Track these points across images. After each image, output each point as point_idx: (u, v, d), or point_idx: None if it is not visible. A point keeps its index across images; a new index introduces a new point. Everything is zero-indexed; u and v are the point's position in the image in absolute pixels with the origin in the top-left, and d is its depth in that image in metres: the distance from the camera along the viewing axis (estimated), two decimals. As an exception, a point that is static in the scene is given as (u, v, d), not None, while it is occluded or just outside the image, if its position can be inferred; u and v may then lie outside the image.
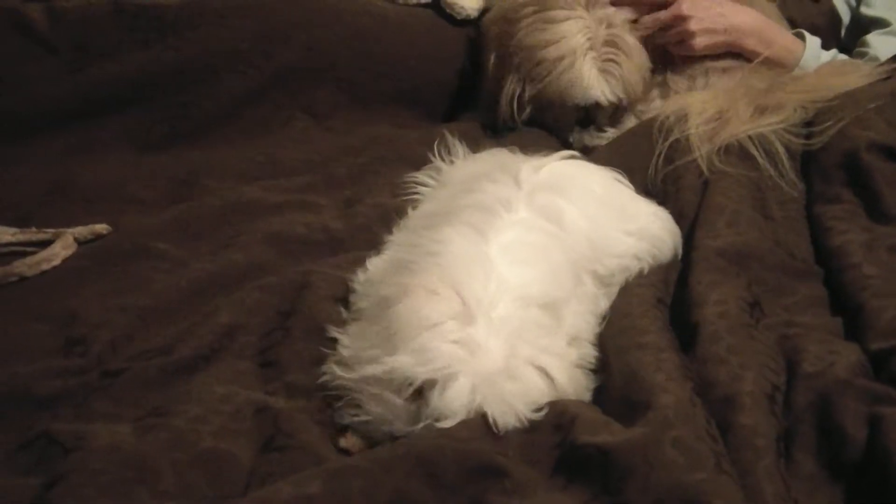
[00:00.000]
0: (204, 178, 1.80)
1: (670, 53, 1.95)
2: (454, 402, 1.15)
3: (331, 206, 1.68)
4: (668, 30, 1.91)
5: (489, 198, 1.40)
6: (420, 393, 1.16)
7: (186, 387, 1.26)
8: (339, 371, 1.25)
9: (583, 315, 1.37)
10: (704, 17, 1.90)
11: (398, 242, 1.48)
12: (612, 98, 1.87)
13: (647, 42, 1.91)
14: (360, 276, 1.43)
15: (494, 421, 1.14)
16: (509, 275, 1.27)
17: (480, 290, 1.23)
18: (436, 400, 1.15)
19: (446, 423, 1.14)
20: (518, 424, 1.16)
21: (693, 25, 1.90)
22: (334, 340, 1.31)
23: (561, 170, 1.52)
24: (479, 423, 1.14)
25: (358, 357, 1.24)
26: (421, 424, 1.15)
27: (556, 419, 1.15)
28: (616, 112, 1.93)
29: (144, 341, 1.37)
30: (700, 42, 1.90)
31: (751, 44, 1.93)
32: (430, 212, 1.52)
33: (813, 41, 1.98)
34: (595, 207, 1.47)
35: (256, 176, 1.81)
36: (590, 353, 1.33)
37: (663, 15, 1.91)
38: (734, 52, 1.94)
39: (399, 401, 1.17)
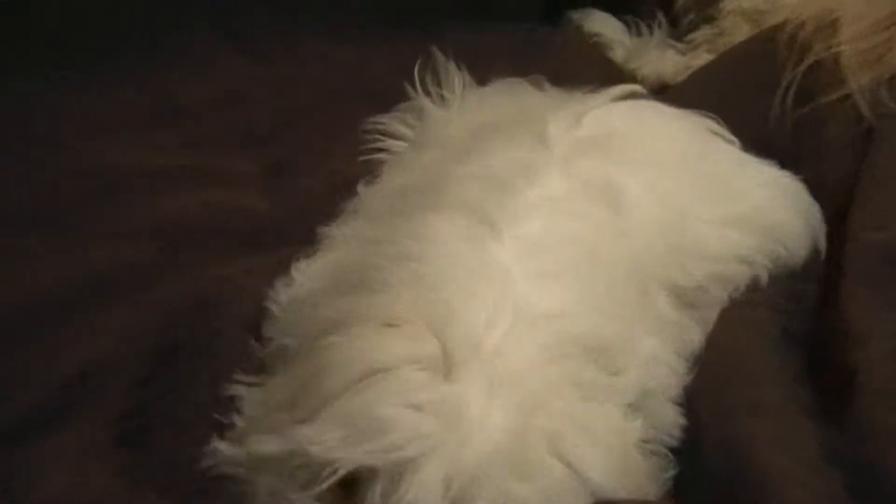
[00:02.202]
0: (66, 127, 1.81)
1: None
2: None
3: (251, 174, 1.66)
4: None
5: (500, 163, 1.34)
6: (350, 491, 1.06)
7: (34, 447, 1.23)
8: (226, 450, 1.17)
9: (655, 357, 1.26)
10: None
11: (350, 237, 1.42)
12: None
13: None
14: (282, 293, 1.37)
15: None
16: (531, 296, 1.17)
17: (477, 324, 1.13)
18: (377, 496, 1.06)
19: None
20: None
21: None
22: (235, 399, 1.25)
23: (616, 118, 1.47)
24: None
25: (257, 425, 1.18)
26: None
27: None
28: None
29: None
30: None
31: None
32: (405, 185, 1.46)
33: None
34: (672, 180, 1.40)
35: (139, 123, 1.79)
36: (667, 421, 1.23)
37: None
38: None
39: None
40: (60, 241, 1.56)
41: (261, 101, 1.80)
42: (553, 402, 1.10)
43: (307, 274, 1.36)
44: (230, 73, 1.87)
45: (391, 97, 1.48)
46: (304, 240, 1.46)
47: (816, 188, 1.50)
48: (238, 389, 1.23)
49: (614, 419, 1.14)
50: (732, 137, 1.50)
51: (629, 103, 1.50)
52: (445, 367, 1.08)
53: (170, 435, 1.25)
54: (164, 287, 1.44)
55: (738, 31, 1.81)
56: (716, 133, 1.49)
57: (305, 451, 1.05)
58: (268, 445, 1.09)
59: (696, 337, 1.32)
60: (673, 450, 1.21)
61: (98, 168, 1.69)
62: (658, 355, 1.25)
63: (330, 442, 1.04)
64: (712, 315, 1.36)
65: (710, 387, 1.25)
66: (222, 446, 1.16)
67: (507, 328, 1.12)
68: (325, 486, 1.04)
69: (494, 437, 1.06)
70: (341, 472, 1.03)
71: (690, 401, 1.25)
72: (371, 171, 1.51)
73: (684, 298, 1.33)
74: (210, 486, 1.17)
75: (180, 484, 1.19)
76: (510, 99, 1.47)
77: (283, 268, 1.39)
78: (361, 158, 1.53)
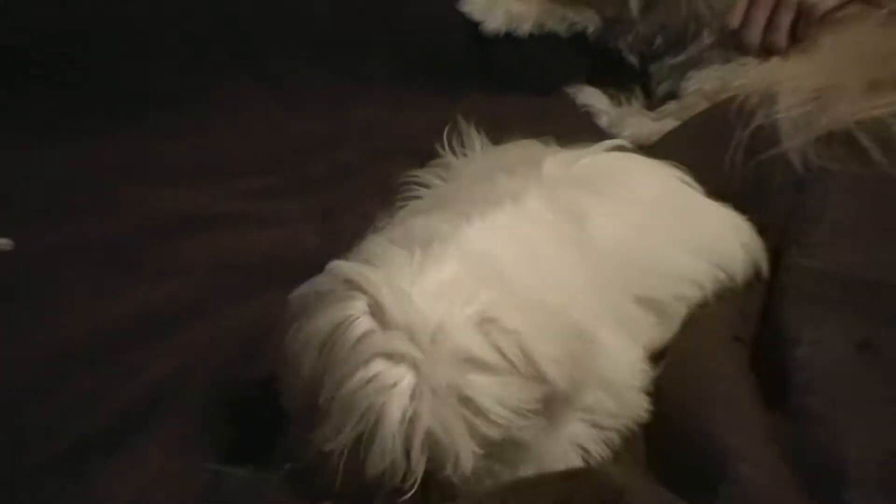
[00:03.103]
0: (137, 179, 1.82)
1: None
2: (382, 447, 1.10)
3: (305, 216, 1.70)
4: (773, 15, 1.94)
5: (497, 189, 1.38)
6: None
7: (110, 459, 1.27)
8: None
9: (622, 349, 1.35)
10: None
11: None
12: None
13: None
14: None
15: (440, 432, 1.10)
16: (477, 245, 1.22)
17: (419, 258, 1.18)
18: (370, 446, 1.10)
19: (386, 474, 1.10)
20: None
21: None
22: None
23: (601, 164, 1.52)
24: (493, 497, 1.16)
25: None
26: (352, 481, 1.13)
27: (599, 494, 1.16)
28: None
29: (57, 395, 1.37)
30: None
31: None
32: (419, 207, 1.50)
33: None
34: (641, 212, 1.46)
35: (202, 175, 1.82)
36: (633, 405, 1.33)
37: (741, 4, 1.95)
38: None
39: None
40: (134, 277, 1.58)
41: (312, 155, 1.83)
42: (510, 312, 1.14)
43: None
44: (285, 132, 1.90)
45: (424, 154, 1.53)
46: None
47: (760, 227, 1.58)
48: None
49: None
50: (696, 184, 1.55)
51: (616, 153, 1.56)
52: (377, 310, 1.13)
53: (254, 423, 1.30)
54: (231, 311, 1.48)
55: (698, 106, 1.90)
56: (682, 180, 1.55)
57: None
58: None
59: (662, 336, 1.43)
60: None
61: (167, 213, 1.72)
62: (625, 348, 1.35)
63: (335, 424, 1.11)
64: (675, 324, 1.45)
65: (675, 381, 1.36)
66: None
67: (458, 263, 1.17)
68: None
69: (456, 339, 1.11)
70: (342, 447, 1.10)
71: (659, 392, 1.35)
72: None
73: (650, 306, 1.42)
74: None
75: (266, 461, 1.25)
76: (520, 151, 1.54)
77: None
78: (399, 204, 1.54)
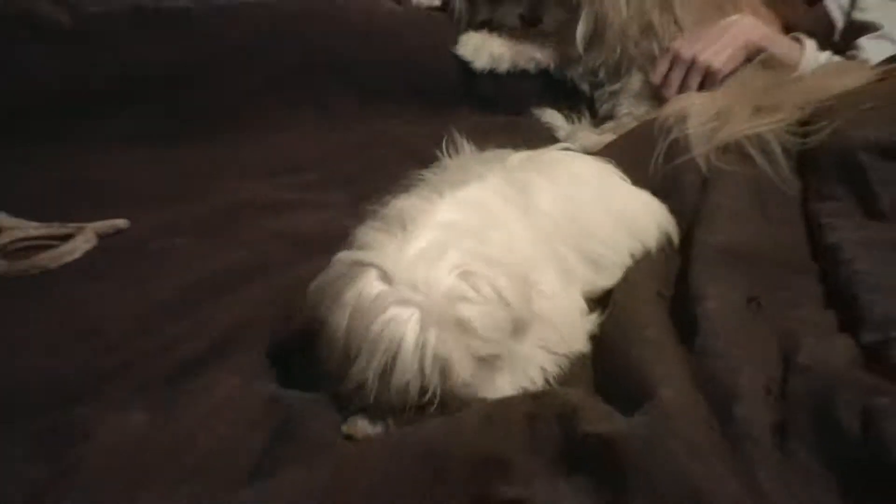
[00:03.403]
0: (219, 175, 1.79)
1: None
2: (401, 368, 1.11)
3: (343, 203, 1.67)
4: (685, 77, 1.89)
5: (469, 175, 1.34)
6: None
7: (199, 379, 1.25)
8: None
9: (564, 284, 1.33)
10: (711, 46, 1.89)
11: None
12: None
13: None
14: None
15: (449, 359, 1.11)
16: (444, 217, 1.21)
17: (402, 237, 1.17)
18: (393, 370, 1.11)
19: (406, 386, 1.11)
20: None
21: (706, 57, 1.88)
22: None
23: (551, 156, 1.49)
24: (482, 414, 1.13)
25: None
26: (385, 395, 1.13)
27: (558, 409, 1.13)
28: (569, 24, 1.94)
29: (160, 334, 1.35)
30: (724, 63, 1.88)
31: (764, 48, 1.91)
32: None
33: (810, 44, 1.97)
34: (577, 190, 1.42)
35: (268, 173, 1.80)
36: (573, 339, 1.31)
37: (662, 65, 1.91)
38: None
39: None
40: (216, 246, 1.56)
41: (346, 158, 1.82)
42: (485, 260, 1.16)
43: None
44: (328, 141, 1.88)
45: (427, 158, 1.49)
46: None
47: (676, 213, 1.54)
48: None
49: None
50: (625, 176, 1.52)
51: (566, 151, 1.53)
52: (386, 278, 1.13)
53: (299, 356, 1.27)
54: (283, 274, 1.45)
55: (630, 124, 1.87)
56: (613, 171, 1.51)
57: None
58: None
59: (602, 285, 1.40)
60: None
61: (243, 199, 1.70)
62: (563, 289, 1.32)
63: (363, 363, 1.12)
64: (612, 276, 1.42)
65: (615, 326, 1.32)
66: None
67: (443, 239, 1.17)
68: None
69: (444, 284, 1.12)
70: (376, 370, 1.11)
71: (603, 333, 1.33)
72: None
73: (585, 258, 1.38)
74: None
75: (312, 383, 1.22)
76: (496, 153, 1.49)
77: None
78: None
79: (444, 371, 1.12)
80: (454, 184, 1.30)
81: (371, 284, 1.13)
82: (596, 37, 1.93)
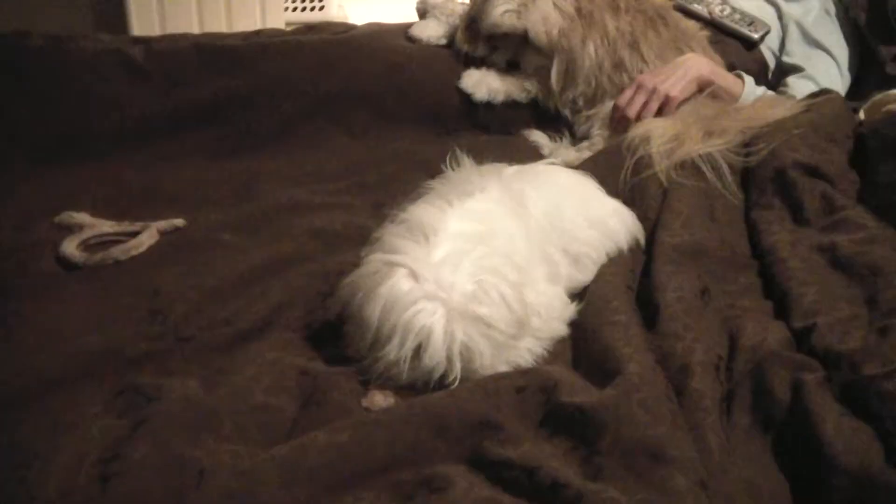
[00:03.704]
0: (262, 182, 1.76)
1: None
2: (434, 356, 1.11)
3: (363, 207, 1.65)
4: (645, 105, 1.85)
5: (472, 186, 1.32)
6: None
7: (244, 351, 1.24)
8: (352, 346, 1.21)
9: (550, 277, 1.32)
10: (670, 79, 1.86)
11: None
12: (511, 25, 1.86)
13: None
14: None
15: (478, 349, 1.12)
16: (458, 227, 1.20)
17: (425, 247, 1.17)
18: (420, 360, 1.12)
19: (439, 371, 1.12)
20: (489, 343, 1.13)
21: (665, 87, 1.85)
22: None
23: (538, 169, 1.47)
24: (478, 386, 1.11)
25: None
26: (420, 377, 1.13)
27: (542, 382, 1.12)
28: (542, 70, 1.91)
29: (212, 313, 1.33)
30: (679, 92, 1.85)
31: (712, 80, 1.89)
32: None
33: (749, 80, 1.96)
34: (560, 197, 1.40)
35: (304, 181, 1.77)
36: (555, 329, 1.28)
37: (628, 92, 1.87)
38: None
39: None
40: (259, 241, 1.54)
41: (367, 169, 1.79)
42: (493, 271, 1.16)
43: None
44: (352, 156, 1.85)
45: (434, 171, 1.47)
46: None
47: (642, 218, 1.51)
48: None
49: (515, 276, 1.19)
50: (599, 185, 1.49)
51: (549, 165, 1.53)
52: (414, 276, 1.13)
53: (328, 335, 1.27)
54: (319, 264, 1.43)
55: (602, 143, 1.84)
56: (592, 183, 1.48)
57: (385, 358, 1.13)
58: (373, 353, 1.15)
59: (582, 279, 1.37)
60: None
61: (283, 202, 1.66)
62: (550, 285, 1.32)
63: (393, 349, 1.12)
64: (589, 272, 1.39)
65: (591, 314, 1.30)
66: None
67: (443, 241, 1.17)
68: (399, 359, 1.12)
69: (464, 287, 1.13)
70: (407, 354, 1.11)
71: (581, 319, 1.30)
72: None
73: (571, 258, 1.36)
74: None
75: (337, 359, 1.21)
76: (491, 167, 1.46)
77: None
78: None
79: (468, 357, 1.12)
80: (461, 194, 1.28)
81: (402, 281, 1.13)
82: (569, 76, 1.91)
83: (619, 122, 1.86)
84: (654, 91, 1.84)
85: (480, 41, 1.95)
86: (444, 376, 1.12)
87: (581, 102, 1.94)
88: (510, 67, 1.94)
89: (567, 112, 1.96)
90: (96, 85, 1.85)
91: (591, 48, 1.88)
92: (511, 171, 1.41)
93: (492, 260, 1.17)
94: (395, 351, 1.11)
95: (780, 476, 1.07)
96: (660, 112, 1.83)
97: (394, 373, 1.13)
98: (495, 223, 1.26)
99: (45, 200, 1.64)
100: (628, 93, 1.86)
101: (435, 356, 1.10)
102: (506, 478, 1.01)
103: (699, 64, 1.89)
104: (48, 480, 1.00)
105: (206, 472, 0.99)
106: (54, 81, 1.84)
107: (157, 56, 1.91)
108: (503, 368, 1.17)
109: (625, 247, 1.45)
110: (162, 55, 1.92)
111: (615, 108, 1.88)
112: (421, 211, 1.24)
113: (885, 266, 1.33)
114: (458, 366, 1.11)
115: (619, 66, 1.90)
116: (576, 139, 1.95)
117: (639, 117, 1.84)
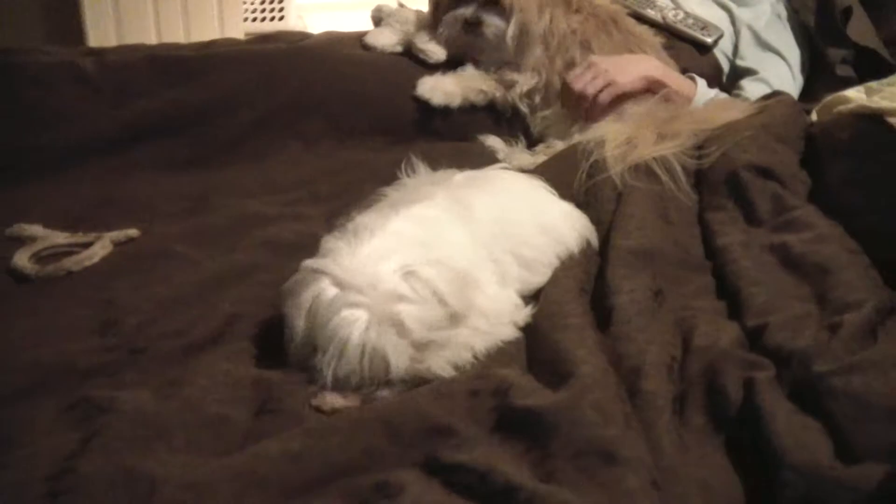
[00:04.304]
0: (215, 194, 1.76)
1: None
2: (347, 359, 1.12)
3: (317, 216, 1.65)
4: (591, 81, 1.87)
5: (420, 193, 1.33)
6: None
7: (197, 362, 1.23)
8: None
9: (498, 294, 1.31)
10: (619, 69, 1.88)
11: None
12: None
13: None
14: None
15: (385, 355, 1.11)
16: (396, 227, 1.21)
17: (355, 243, 1.18)
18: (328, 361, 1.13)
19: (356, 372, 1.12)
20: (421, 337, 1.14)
21: (613, 72, 1.87)
22: None
23: (488, 174, 1.47)
24: (431, 391, 1.11)
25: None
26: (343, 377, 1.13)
27: (496, 386, 1.12)
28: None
29: (165, 325, 1.33)
30: (626, 82, 1.87)
31: (662, 82, 1.91)
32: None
33: (702, 82, 1.98)
34: (509, 201, 1.40)
35: (257, 192, 1.77)
36: (505, 332, 1.28)
37: (578, 70, 1.90)
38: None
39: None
40: (214, 251, 1.54)
41: (323, 180, 1.79)
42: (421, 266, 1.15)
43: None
44: (306, 167, 1.85)
45: (389, 179, 1.46)
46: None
47: (596, 221, 1.52)
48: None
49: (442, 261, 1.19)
50: (551, 189, 1.50)
51: (500, 170, 1.53)
52: (340, 282, 1.14)
53: (281, 344, 1.22)
54: (272, 274, 1.41)
55: (557, 147, 1.85)
56: (543, 186, 1.49)
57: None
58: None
59: (534, 283, 1.37)
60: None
61: (236, 213, 1.67)
62: (499, 287, 1.31)
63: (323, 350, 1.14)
64: (541, 275, 1.38)
65: (544, 316, 1.29)
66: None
67: (378, 240, 1.18)
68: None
69: (387, 286, 1.13)
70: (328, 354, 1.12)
71: (535, 322, 1.29)
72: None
73: (523, 262, 1.36)
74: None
75: (290, 367, 1.20)
76: (444, 173, 1.47)
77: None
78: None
79: (382, 363, 1.12)
80: (409, 202, 1.29)
81: (325, 290, 1.14)
82: (523, 39, 1.93)
83: (567, 98, 1.89)
84: (604, 71, 1.86)
85: None
86: (388, 376, 1.13)
87: (539, 100, 1.96)
88: (469, 29, 1.94)
89: (524, 107, 1.98)
90: (47, 98, 1.85)
91: (546, 17, 1.92)
92: (461, 177, 1.41)
93: (427, 253, 1.18)
94: (319, 360, 1.13)
95: (733, 475, 1.07)
96: (601, 93, 1.87)
97: (324, 377, 1.13)
98: (440, 228, 1.26)
99: (-5, 213, 1.63)
100: (579, 69, 1.89)
101: (349, 364, 1.11)
102: (459, 482, 1.01)
103: (650, 64, 1.92)
104: (-3, 497, 0.99)
105: (158, 484, 0.99)
106: (3, 95, 1.83)
107: (108, 68, 1.91)
108: (444, 366, 1.17)
109: (575, 249, 1.45)
110: (114, 67, 1.92)
111: (563, 83, 1.91)
112: (364, 217, 1.25)
113: (835, 264, 1.34)
114: (374, 373, 1.12)
115: (570, 64, 1.93)
116: (531, 143, 1.96)
117: (582, 94, 1.86)
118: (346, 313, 1.11)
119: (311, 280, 1.15)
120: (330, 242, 1.21)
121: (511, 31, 1.92)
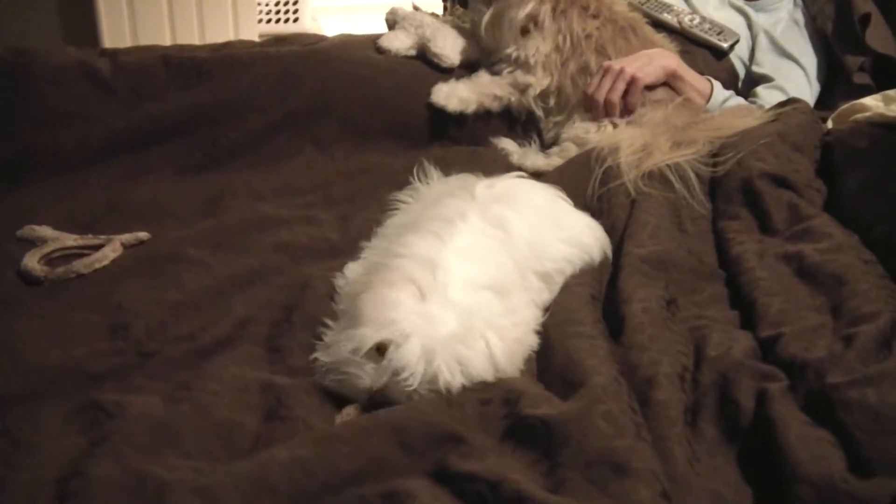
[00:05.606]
0: (228, 197, 1.75)
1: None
2: (407, 357, 1.11)
3: (330, 220, 1.64)
4: (612, 87, 1.86)
5: (449, 210, 1.34)
6: (381, 352, 1.13)
7: (207, 367, 1.23)
8: (322, 356, 1.21)
9: (528, 304, 1.31)
10: (636, 63, 1.87)
11: (374, 248, 1.42)
12: None
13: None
14: (340, 280, 1.38)
15: (445, 380, 1.12)
16: (462, 269, 1.22)
17: (433, 280, 1.19)
18: (392, 355, 1.12)
19: (404, 378, 1.11)
20: (464, 384, 1.14)
21: (631, 70, 1.86)
22: (325, 331, 1.26)
23: (510, 186, 1.47)
24: (441, 399, 1.11)
25: (336, 339, 1.21)
26: (384, 379, 1.13)
27: (506, 395, 1.12)
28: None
29: (175, 328, 1.33)
30: (645, 75, 1.86)
31: (680, 74, 1.91)
32: (401, 223, 1.45)
33: (717, 84, 1.97)
34: (535, 218, 1.41)
35: (270, 196, 1.76)
36: (528, 338, 1.28)
37: (595, 79, 1.89)
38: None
39: (365, 360, 1.15)
40: (226, 255, 1.53)
41: (337, 184, 1.77)
42: (477, 312, 1.18)
43: (352, 269, 1.39)
44: (321, 171, 1.83)
45: (402, 183, 1.47)
46: (355, 254, 1.44)
47: (609, 228, 1.52)
48: (326, 326, 1.26)
49: (507, 324, 1.22)
50: (568, 199, 1.51)
51: (519, 180, 1.51)
52: (420, 297, 1.17)
53: (292, 349, 1.28)
54: (284, 278, 1.44)
55: (572, 151, 1.82)
56: (561, 197, 1.50)
57: (360, 338, 1.15)
58: (345, 344, 1.17)
59: (548, 297, 1.36)
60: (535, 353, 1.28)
61: (249, 217, 1.65)
62: (528, 302, 1.31)
63: (369, 333, 1.14)
64: (557, 288, 1.38)
65: (555, 324, 1.30)
66: (320, 353, 1.22)
67: (448, 282, 1.19)
68: (365, 349, 1.14)
69: (449, 326, 1.14)
70: (374, 341, 1.14)
71: (546, 331, 1.30)
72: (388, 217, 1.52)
73: (543, 278, 1.37)
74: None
75: (301, 372, 1.23)
76: (459, 180, 1.50)
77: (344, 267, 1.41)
78: (388, 212, 1.54)
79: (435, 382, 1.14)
80: (436, 220, 1.31)
81: (407, 298, 1.17)
82: (496, 28, 1.93)
83: (592, 108, 1.88)
84: (620, 73, 1.85)
85: None
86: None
87: (553, 103, 1.95)
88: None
89: (539, 110, 1.96)
90: (60, 98, 1.84)
91: (527, 8, 1.90)
92: (482, 189, 1.42)
93: (495, 315, 1.21)
94: (383, 378, 1.13)
95: (745, 486, 1.07)
96: (625, 96, 1.85)
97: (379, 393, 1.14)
98: (488, 258, 1.29)
99: (6, 216, 1.63)
100: (596, 78, 1.88)
101: (410, 382, 1.12)
102: (469, 491, 1.00)
103: (667, 56, 1.92)
104: (6, 501, 0.99)
105: (167, 489, 0.99)
106: (17, 95, 1.83)
107: (123, 69, 1.90)
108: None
109: (597, 260, 1.45)
110: (128, 68, 1.91)
111: (584, 95, 1.89)
112: (411, 242, 1.27)
113: (850, 275, 1.34)
114: (424, 383, 1.13)
115: (584, 69, 1.91)
116: (544, 146, 1.95)
117: (608, 102, 1.85)
118: (414, 324, 1.14)
119: (397, 282, 1.19)
120: (400, 271, 1.22)
121: (486, 17, 1.92)
